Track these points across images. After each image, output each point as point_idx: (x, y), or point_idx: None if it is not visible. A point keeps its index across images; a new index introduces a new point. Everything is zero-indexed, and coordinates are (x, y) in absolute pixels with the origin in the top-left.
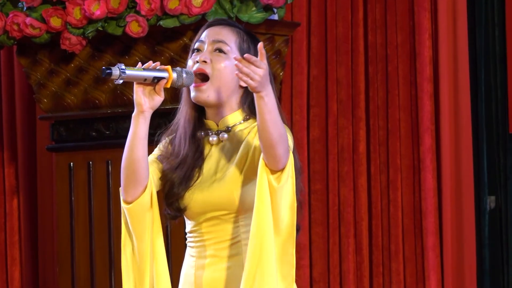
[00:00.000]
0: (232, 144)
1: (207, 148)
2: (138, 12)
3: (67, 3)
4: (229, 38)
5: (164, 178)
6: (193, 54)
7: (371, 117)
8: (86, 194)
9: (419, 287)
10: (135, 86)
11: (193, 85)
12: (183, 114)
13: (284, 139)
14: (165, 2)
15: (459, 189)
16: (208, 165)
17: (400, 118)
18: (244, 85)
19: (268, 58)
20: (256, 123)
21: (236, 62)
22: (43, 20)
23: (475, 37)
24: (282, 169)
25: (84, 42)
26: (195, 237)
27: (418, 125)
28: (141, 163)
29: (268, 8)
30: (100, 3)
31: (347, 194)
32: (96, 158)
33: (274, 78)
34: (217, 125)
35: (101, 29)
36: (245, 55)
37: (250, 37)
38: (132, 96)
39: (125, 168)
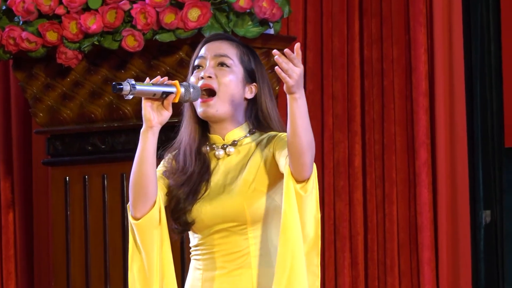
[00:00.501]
0: (240, 158)
1: (213, 163)
2: (134, 27)
3: (63, 18)
4: (230, 51)
5: (170, 193)
6: (195, 71)
7: (366, 131)
8: (82, 208)
9: None
10: (144, 101)
11: (199, 100)
12: (187, 130)
13: (313, 147)
14: (161, 17)
15: (455, 203)
16: (216, 179)
17: (395, 132)
18: (249, 96)
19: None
20: (263, 136)
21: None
22: (39, 34)
23: (471, 51)
24: (308, 179)
25: (80, 56)
26: (203, 249)
27: (414, 139)
28: (150, 179)
29: (264, 23)
30: (96, 18)
31: (342, 208)
32: (91, 172)
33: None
34: (223, 139)
35: (97, 43)
36: (285, 50)
37: (248, 50)
38: (128, 110)
39: (134, 184)
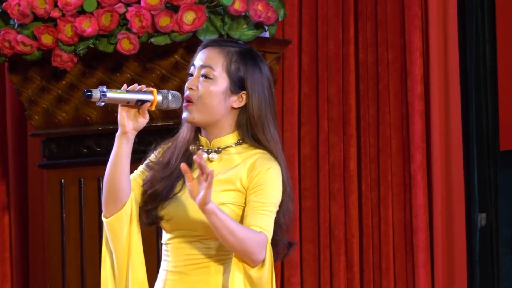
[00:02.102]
0: (219, 167)
1: (195, 164)
2: (129, 30)
3: (58, 21)
4: (216, 61)
5: (148, 184)
6: (188, 79)
7: (362, 135)
8: (77, 211)
9: None
10: (119, 107)
11: (184, 104)
12: (183, 128)
13: (249, 240)
14: (156, 20)
15: (450, 207)
16: None
17: (391, 135)
18: (236, 106)
19: (264, 73)
20: (251, 152)
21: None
22: (34, 37)
23: (466, 54)
24: (262, 261)
25: (75, 59)
26: (168, 250)
27: (409, 142)
28: (121, 182)
29: (259, 26)
30: (91, 21)
31: (338, 211)
32: (87, 175)
33: None
34: (209, 144)
35: (92, 46)
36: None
37: (242, 56)
38: None
39: (105, 185)
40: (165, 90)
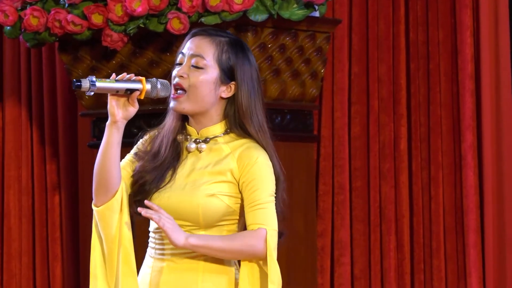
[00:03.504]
0: (208, 157)
1: (184, 153)
2: (179, 9)
3: (108, 0)
4: (207, 50)
5: (137, 175)
6: (176, 67)
7: (412, 114)
8: None
9: (461, 284)
10: (109, 96)
11: (171, 95)
12: (170, 118)
13: (245, 246)
14: None
15: (501, 187)
16: (182, 171)
17: (441, 115)
18: (225, 95)
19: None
20: (239, 142)
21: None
22: (84, 17)
23: None
24: (265, 254)
25: (125, 39)
26: (156, 239)
27: (460, 122)
28: (111, 171)
29: (309, 5)
30: (141, 0)
31: (388, 191)
32: None
33: (316, 75)
34: (197, 133)
35: (142, 26)
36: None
37: (232, 46)
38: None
39: (96, 174)
40: (154, 79)
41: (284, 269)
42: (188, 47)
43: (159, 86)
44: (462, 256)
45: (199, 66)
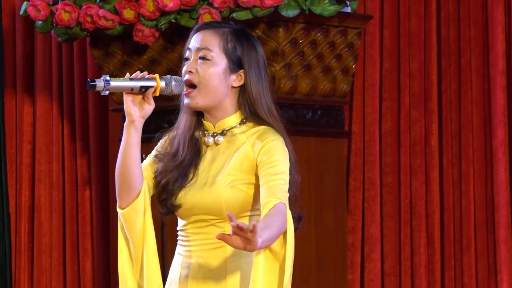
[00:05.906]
0: (227, 149)
1: (203, 149)
2: (211, 5)
3: None
4: (212, 42)
5: (160, 176)
6: (184, 63)
7: (443, 110)
8: None
9: (491, 280)
10: (124, 96)
11: (184, 92)
12: (184, 117)
13: (281, 226)
14: None
15: None
16: (203, 166)
17: (472, 111)
18: (236, 84)
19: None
20: (255, 129)
21: None
22: (116, 12)
23: None
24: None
25: (156, 34)
26: (184, 236)
27: (491, 118)
28: (133, 171)
29: (341, 1)
30: None
31: (418, 187)
32: None
33: (347, 71)
34: (214, 127)
35: (174, 21)
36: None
37: (236, 35)
38: None
39: (118, 176)
40: (168, 76)
41: (314, 265)
42: (193, 41)
43: (173, 82)
44: (493, 252)
45: (206, 58)
